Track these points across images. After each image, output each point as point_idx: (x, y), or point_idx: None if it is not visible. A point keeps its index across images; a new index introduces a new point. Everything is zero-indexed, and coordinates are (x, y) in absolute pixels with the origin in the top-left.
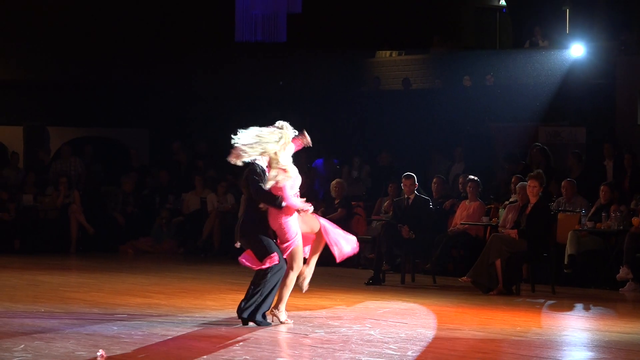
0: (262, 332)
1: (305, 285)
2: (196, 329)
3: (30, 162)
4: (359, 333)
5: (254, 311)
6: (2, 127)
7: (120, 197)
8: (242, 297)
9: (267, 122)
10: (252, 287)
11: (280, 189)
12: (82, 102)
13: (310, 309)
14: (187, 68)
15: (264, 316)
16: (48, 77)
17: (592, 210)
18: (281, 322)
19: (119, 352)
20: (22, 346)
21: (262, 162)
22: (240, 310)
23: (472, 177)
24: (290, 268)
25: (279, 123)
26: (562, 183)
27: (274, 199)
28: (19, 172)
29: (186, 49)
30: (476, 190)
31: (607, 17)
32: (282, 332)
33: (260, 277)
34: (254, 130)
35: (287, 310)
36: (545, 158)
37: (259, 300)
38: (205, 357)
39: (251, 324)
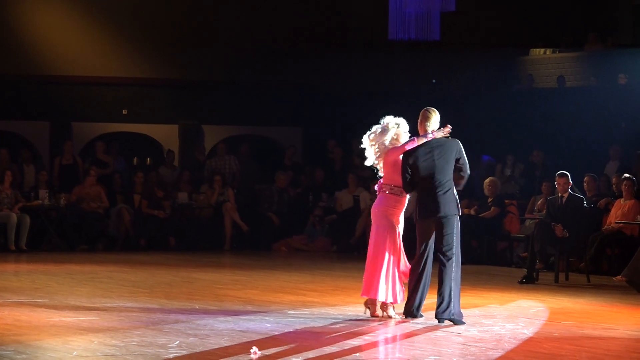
0: (415, 330)
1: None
2: (349, 326)
3: (185, 160)
4: (512, 332)
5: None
6: (158, 125)
7: (275, 195)
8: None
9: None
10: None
11: None
12: (237, 100)
13: (463, 308)
14: (340, 66)
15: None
16: (203, 76)
17: None
18: (389, 317)
19: (272, 349)
20: (177, 342)
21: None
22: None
23: (627, 175)
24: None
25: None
26: None
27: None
28: (175, 170)
29: (340, 47)
30: (631, 188)
31: None
32: (435, 331)
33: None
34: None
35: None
36: None
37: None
38: (357, 354)
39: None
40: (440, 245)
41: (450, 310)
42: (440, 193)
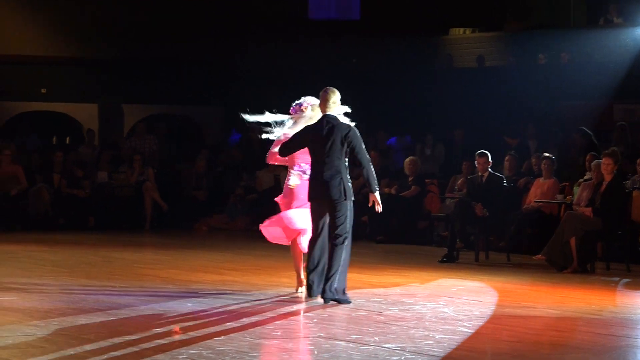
0: (336, 310)
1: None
2: (270, 306)
3: (105, 140)
4: (433, 311)
5: (329, 287)
6: (78, 104)
7: (194, 176)
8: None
9: (341, 99)
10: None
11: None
12: (157, 79)
13: (384, 287)
14: (261, 45)
15: (343, 292)
16: (124, 54)
17: None
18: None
19: (193, 328)
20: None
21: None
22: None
23: (546, 154)
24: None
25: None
26: (638, 160)
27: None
28: (94, 149)
29: (261, 26)
30: (550, 167)
31: None
32: (356, 310)
33: (334, 251)
34: None
35: (362, 287)
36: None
37: (334, 275)
38: (279, 333)
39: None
40: (333, 227)
41: (335, 290)
42: (326, 176)
